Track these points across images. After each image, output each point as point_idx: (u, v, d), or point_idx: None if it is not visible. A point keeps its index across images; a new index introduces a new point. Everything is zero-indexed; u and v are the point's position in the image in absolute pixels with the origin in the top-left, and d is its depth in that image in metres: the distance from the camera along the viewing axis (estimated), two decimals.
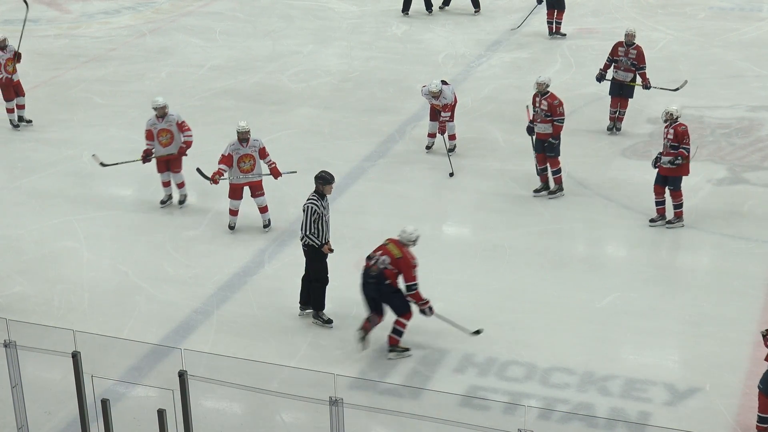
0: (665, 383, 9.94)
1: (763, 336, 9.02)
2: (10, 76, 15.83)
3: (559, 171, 13.52)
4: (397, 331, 10.38)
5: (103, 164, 13.57)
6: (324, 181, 10.78)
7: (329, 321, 10.92)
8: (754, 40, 19.98)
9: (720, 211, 13.28)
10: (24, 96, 16.12)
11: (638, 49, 15.12)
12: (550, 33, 20.27)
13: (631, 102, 15.42)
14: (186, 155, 13.35)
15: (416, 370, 10.21)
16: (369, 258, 10.34)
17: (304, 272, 11.00)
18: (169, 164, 13.35)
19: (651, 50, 18.46)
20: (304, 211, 10.69)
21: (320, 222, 10.68)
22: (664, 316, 11.08)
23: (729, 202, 13.52)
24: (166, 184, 13.48)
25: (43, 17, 22.08)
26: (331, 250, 10.85)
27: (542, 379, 10.04)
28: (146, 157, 13.28)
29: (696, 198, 13.55)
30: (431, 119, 14.94)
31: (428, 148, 15.07)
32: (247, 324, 11.07)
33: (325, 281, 10.89)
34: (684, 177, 12.67)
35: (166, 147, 13.25)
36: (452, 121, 14.75)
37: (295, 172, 12.91)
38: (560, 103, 13.35)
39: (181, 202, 13.51)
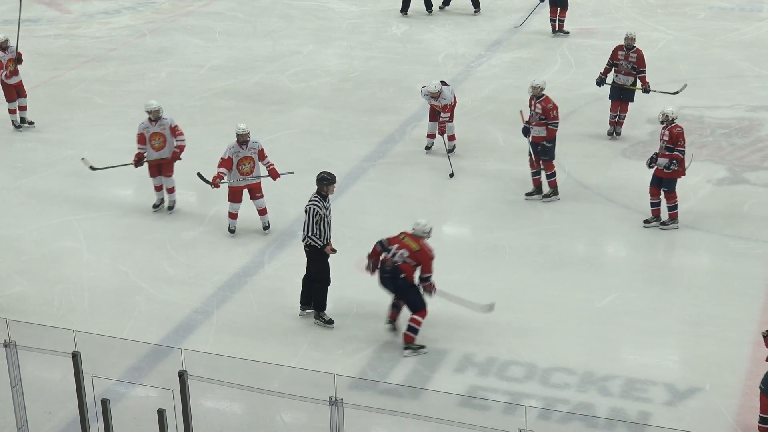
0: (665, 383, 9.94)
1: (764, 337, 9.02)
2: (11, 76, 15.82)
3: (553, 175, 13.48)
4: (413, 329, 10.43)
5: (93, 168, 13.45)
6: (326, 182, 10.78)
7: (331, 321, 10.92)
8: (754, 40, 19.98)
9: (720, 211, 13.29)
10: (26, 97, 16.11)
11: (638, 52, 15.06)
12: (553, 31, 20.32)
13: (631, 102, 15.39)
14: (180, 159, 13.25)
15: (416, 370, 10.21)
16: (386, 251, 10.45)
17: (305, 272, 11.01)
18: (161, 168, 13.24)
19: (651, 50, 18.46)
20: (306, 212, 10.70)
21: (322, 223, 10.69)
22: (664, 316, 11.08)
23: (729, 202, 13.52)
24: (158, 188, 13.39)
25: (43, 17, 22.08)
26: (334, 251, 10.85)
27: (542, 379, 10.04)
28: (138, 161, 13.17)
29: (696, 198, 13.56)
30: (431, 120, 14.94)
31: (427, 148, 15.07)
32: (247, 324, 11.07)
33: (327, 282, 10.90)
34: (682, 178, 12.67)
35: (158, 151, 13.13)
36: (451, 121, 14.75)
37: (293, 172, 12.90)
38: (554, 107, 13.30)
39: (170, 207, 13.36)
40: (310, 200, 10.74)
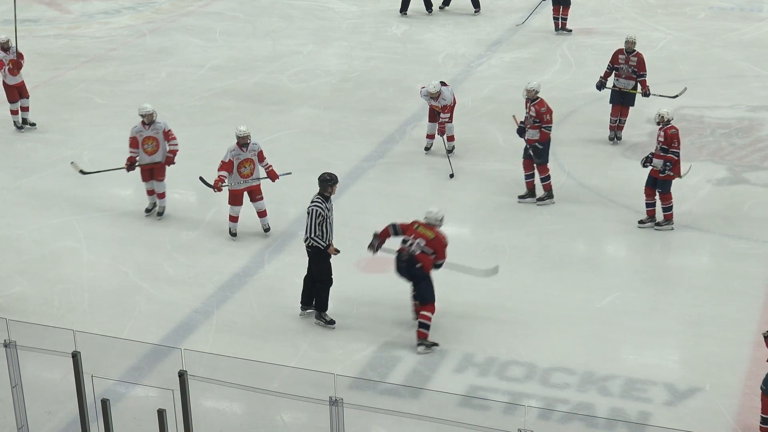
0: (665, 383, 9.94)
1: (765, 337, 9.02)
2: (14, 73, 15.80)
3: (547, 178, 13.45)
4: (424, 325, 10.51)
5: (83, 172, 13.36)
6: (329, 183, 10.78)
7: (332, 322, 10.92)
8: (754, 40, 19.98)
9: (720, 211, 13.29)
10: (28, 98, 16.08)
11: (639, 56, 14.98)
12: (556, 29, 20.36)
13: (631, 106, 15.23)
14: (174, 163, 13.17)
15: (416, 370, 10.21)
16: (403, 242, 10.62)
17: (306, 273, 11.01)
18: (153, 172, 13.13)
19: (651, 50, 18.48)
20: (308, 213, 10.69)
21: (324, 224, 10.69)
22: (664, 316, 11.08)
23: (729, 202, 13.52)
24: (151, 193, 13.29)
25: (43, 17, 22.09)
26: (337, 251, 10.86)
27: (542, 379, 10.04)
28: (130, 165, 13.04)
29: (696, 198, 13.57)
30: (430, 120, 14.93)
31: (427, 149, 15.06)
32: (247, 324, 11.07)
33: (329, 282, 10.90)
34: (679, 180, 12.67)
35: (151, 155, 13.03)
36: (451, 122, 14.74)
37: (290, 173, 12.87)
38: (548, 111, 13.26)
39: (160, 213, 13.24)
40: (312, 201, 10.74)
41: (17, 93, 15.94)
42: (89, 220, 13.30)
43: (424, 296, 10.57)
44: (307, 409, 8.54)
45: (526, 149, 13.39)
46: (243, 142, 12.34)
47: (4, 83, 15.91)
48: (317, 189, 10.90)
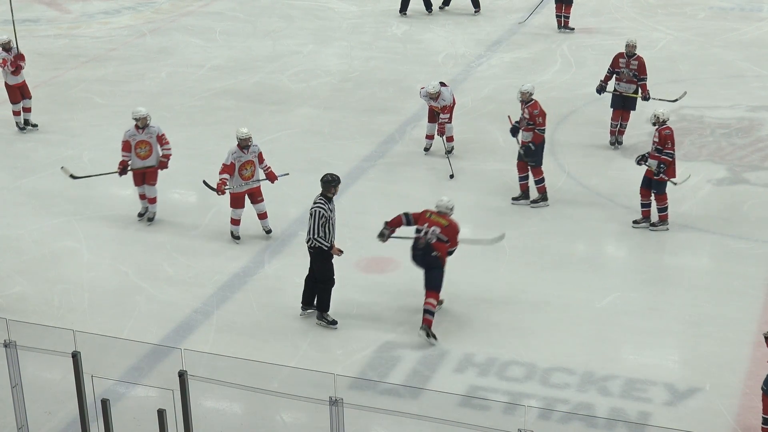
0: (665, 383, 9.94)
1: (766, 338, 9.02)
2: (14, 77, 15.79)
3: (542, 181, 13.41)
4: (429, 312, 10.67)
5: (73, 176, 13.20)
6: (331, 184, 10.77)
7: (334, 322, 10.92)
8: (754, 40, 19.99)
9: (720, 211, 13.29)
10: (30, 98, 16.05)
11: (639, 59, 14.85)
12: (559, 26, 20.39)
13: (633, 111, 15.10)
14: (167, 168, 13.06)
15: (416, 370, 10.21)
16: (417, 231, 10.84)
17: (308, 273, 11.01)
18: (145, 177, 13.01)
19: (651, 50, 18.49)
20: (311, 215, 10.68)
21: (327, 225, 10.70)
22: (664, 316, 11.09)
23: (729, 202, 13.53)
24: (143, 197, 13.18)
25: (43, 17, 22.08)
26: (341, 252, 10.86)
27: (542, 379, 10.04)
28: (123, 169, 12.92)
29: (696, 198, 13.57)
30: (429, 121, 14.92)
31: (426, 150, 15.05)
32: (247, 324, 11.07)
33: (332, 283, 10.89)
34: (671, 186, 12.68)
35: (143, 160, 12.90)
36: (450, 122, 14.72)
37: (288, 174, 12.84)
38: (541, 113, 13.22)
39: (150, 219, 13.14)
40: (315, 202, 10.73)
41: (19, 94, 15.92)
42: (89, 220, 13.30)
43: (433, 283, 10.73)
44: (307, 409, 8.54)
45: (519, 150, 13.37)
46: (244, 144, 12.29)
47: (6, 84, 15.90)
48: (317, 189, 10.90)
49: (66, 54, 19.80)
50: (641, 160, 12.71)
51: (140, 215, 13.24)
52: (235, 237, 12.66)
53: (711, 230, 12.82)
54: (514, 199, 13.50)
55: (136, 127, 12.88)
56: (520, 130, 13.36)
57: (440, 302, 11.07)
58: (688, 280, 11.81)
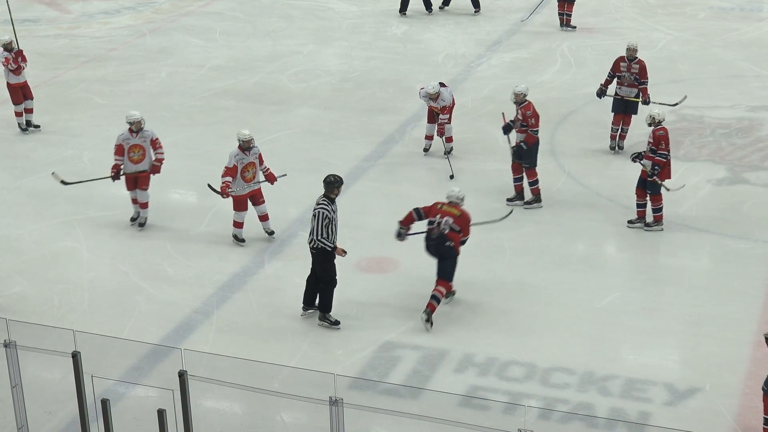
0: (665, 383, 9.94)
1: (766, 338, 9.02)
2: (16, 76, 15.78)
3: (536, 182, 13.39)
4: (436, 298, 10.87)
5: (64, 182, 13.10)
6: (334, 185, 10.76)
7: (337, 322, 10.92)
8: (754, 40, 19.99)
9: (720, 211, 13.29)
10: (32, 99, 16.03)
11: (641, 63, 14.70)
12: (561, 24, 20.40)
13: (634, 115, 14.94)
14: (159, 172, 12.95)
15: (416, 370, 10.21)
16: (429, 222, 11.02)
17: (309, 273, 11.00)
18: (137, 181, 12.90)
19: (651, 50, 18.49)
20: (314, 216, 10.67)
21: (331, 226, 10.69)
22: (664, 316, 11.09)
23: (729, 202, 13.53)
24: (135, 201, 13.07)
25: (43, 17, 22.08)
26: (345, 252, 10.86)
27: (542, 379, 10.04)
28: (117, 174, 12.79)
29: (696, 198, 13.57)
30: (429, 121, 14.91)
31: (426, 150, 15.04)
32: (247, 324, 11.07)
33: (334, 283, 10.89)
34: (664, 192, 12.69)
35: (136, 164, 12.78)
36: (450, 123, 14.71)
37: (285, 175, 12.81)
38: (534, 115, 13.18)
39: (141, 224, 13.03)
40: (318, 203, 10.71)
41: (21, 94, 15.90)
42: (89, 220, 13.30)
43: (445, 273, 10.95)
44: (307, 409, 8.54)
45: (515, 150, 13.35)
46: (246, 146, 12.23)
47: (8, 84, 15.89)
48: (317, 189, 10.90)
49: (66, 54, 19.79)
50: (636, 157, 12.72)
51: (132, 220, 13.14)
52: (240, 240, 12.61)
53: (711, 230, 12.83)
54: (508, 200, 13.49)
55: (130, 130, 12.76)
56: (513, 130, 13.37)
57: (453, 292, 11.24)
58: (688, 280, 11.81)
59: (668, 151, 12.52)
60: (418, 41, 20.29)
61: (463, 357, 10.39)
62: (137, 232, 12.99)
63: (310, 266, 10.97)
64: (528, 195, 13.47)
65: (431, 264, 11.26)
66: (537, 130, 13.25)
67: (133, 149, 12.78)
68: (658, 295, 11.53)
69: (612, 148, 15.09)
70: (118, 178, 12.87)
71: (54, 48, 20.11)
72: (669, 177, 12.66)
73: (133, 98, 17.15)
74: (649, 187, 12.65)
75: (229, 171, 12.25)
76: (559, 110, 16.37)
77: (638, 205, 12.83)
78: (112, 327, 10.80)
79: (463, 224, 11.04)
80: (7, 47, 15.63)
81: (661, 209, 12.71)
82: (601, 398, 9.76)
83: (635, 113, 14.93)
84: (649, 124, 12.63)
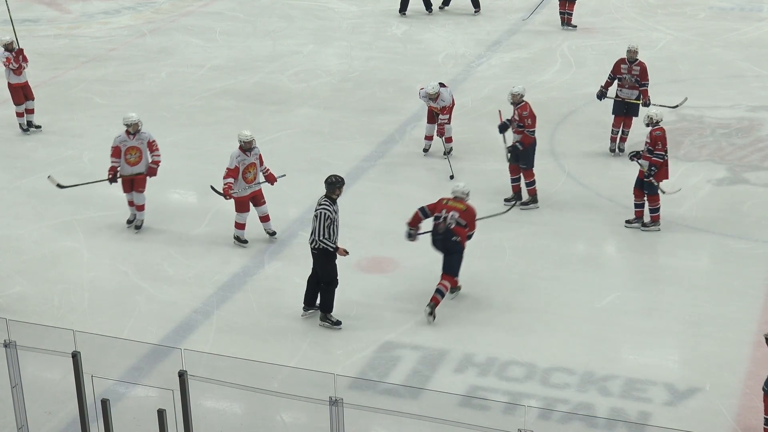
0: (665, 383, 9.94)
1: (766, 338, 9.02)
2: (17, 76, 15.77)
3: (533, 183, 13.37)
4: (440, 292, 10.97)
5: (60, 186, 13.05)
6: (336, 185, 10.76)
7: (338, 322, 10.92)
8: (754, 40, 19.99)
9: (720, 211, 13.29)
10: (33, 100, 16.01)
11: (641, 65, 14.63)
12: (563, 23, 20.42)
13: (635, 117, 14.84)
14: (156, 175, 12.90)
15: (416, 370, 10.21)
16: (435, 218, 11.13)
17: (310, 273, 11.00)
18: (134, 183, 12.85)
19: (651, 50, 18.50)
20: (316, 216, 10.66)
21: (332, 226, 10.70)
22: (664, 316, 11.09)
23: (729, 202, 13.53)
24: (132, 203, 13.03)
25: (43, 17, 22.09)
26: (347, 252, 10.86)
27: (542, 379, 10.04)
28: (114, 176, 12.72)
29: (696, 198, 13.57)
30: (428, 122, 14.90)
31: (425, 150, 15.03)
32: (247, 324, 11.07)
33: (335, 283, 10.88)
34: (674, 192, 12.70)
35: (133, 166, 12.73)
36: (449, 123, 14.71)
37: (285, 175, 12.80)
38: (530, 116, 13.14)
39: (138, 227, 12.99)
40: (320, 204, 10.71)
41: (22, 95, 15.89)
42: (89, 220, 13.30)
43: (451, 268, 11.05)
44: (307, 409, 8.54)
45: (510, 151, 13.34)
46: (248, 147, 12.21)
47: (9, 84, 15.89)
48: (317, 189, 10.90)
49: (66, 54, 19.80)
50: (634, 156, 12.72)
51: (129, 222, 13.11)
52: (242, 241, 12.59)
53: (711, 230, 12.83)
54: (506, 200, 13.49)
55: (127, 132, 12.71)
56: (510, 130, 13.37)
57: (458, 288, 11.32)
58: (688, 280, 11.81)
59: (665, 151, 12.52)
60: (418, 41, 20.30)
61: (463, 357, 10.39)
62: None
63: (311, 266, 10.97)
64: (525, 195, 13.47)
65: (431, 264, 11.27)
66: (533, 131, 13.23)
67: (129, 151, 12.74)
68: (658, 295, 11.53)
69: (612, 150, 15.02)
70: (115, 181, 12.83)
71: (54, 48, 20.12)
72: (666, 177, 12.65)
73: (133, 98, 17.16)
74: (646, 187, 12.65)
75: (231, 172, 12.23)
76: (559, 110, 16.38)
77: (636, 205, 12.84)
78: (112, 327, 10.80)
79: (469, 218, 11.11)
80: (8, 47, 15.63)
81: (658, 209, 12.72)
82: (601, 398, 9.76)
83: (636, 115, 14.83)
84: (647, 125, 12.63)
